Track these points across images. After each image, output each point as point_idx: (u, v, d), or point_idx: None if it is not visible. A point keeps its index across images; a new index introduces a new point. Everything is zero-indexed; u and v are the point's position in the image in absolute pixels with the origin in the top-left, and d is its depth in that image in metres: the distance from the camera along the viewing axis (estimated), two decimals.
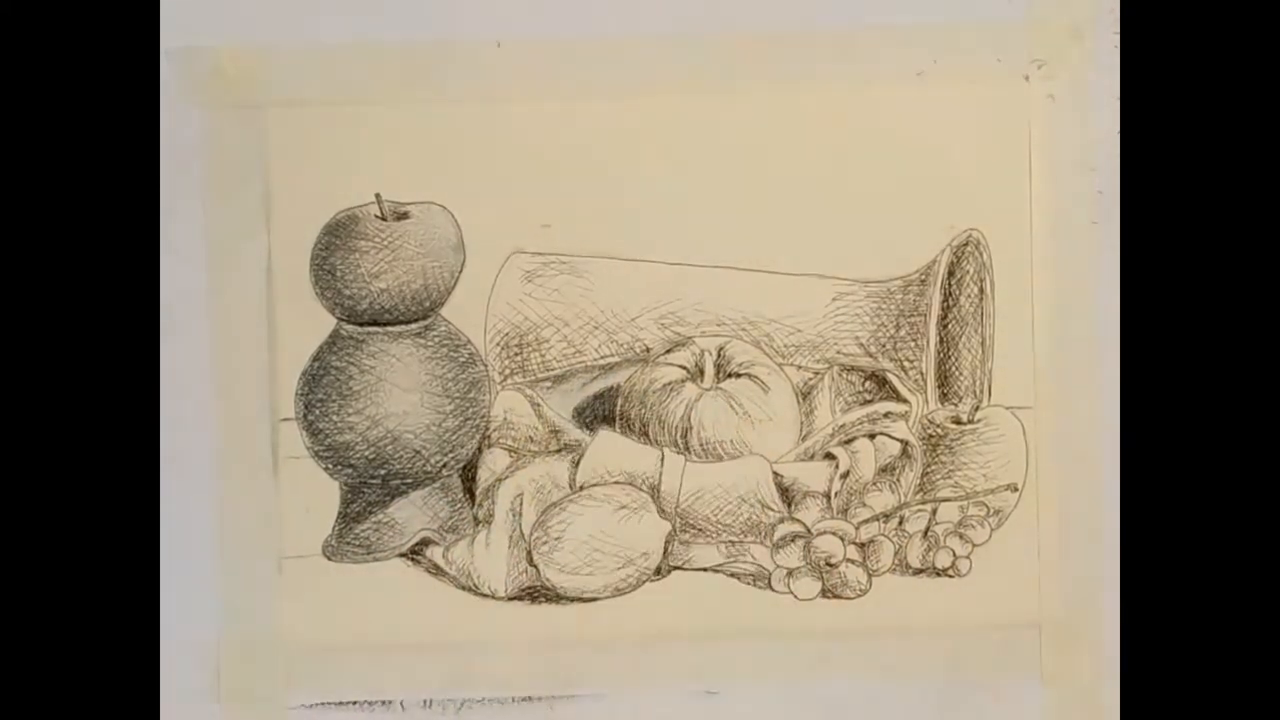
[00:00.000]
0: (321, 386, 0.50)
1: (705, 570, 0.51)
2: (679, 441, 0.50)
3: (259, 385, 0.50)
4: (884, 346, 0.51)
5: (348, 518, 0.50)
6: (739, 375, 0.51)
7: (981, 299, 0.51)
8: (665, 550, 0.50)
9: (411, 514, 0.50)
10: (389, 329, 0.50)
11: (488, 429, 0.50)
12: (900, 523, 0.51)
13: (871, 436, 0.51)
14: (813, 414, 0.51)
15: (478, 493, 0.51)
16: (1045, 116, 0.51)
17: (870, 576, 0.51)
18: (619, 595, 0.50)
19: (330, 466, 0.50)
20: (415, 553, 0.50)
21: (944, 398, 0.51)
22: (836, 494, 0.51)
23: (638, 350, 0.51)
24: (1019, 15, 0.51)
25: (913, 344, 0.51)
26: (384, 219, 0.50)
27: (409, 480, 0.50)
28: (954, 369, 0.51)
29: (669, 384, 0.50)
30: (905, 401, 0.51)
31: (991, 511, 0.51)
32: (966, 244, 0.51)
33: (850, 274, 0.51)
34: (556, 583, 0.50)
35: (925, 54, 0.50)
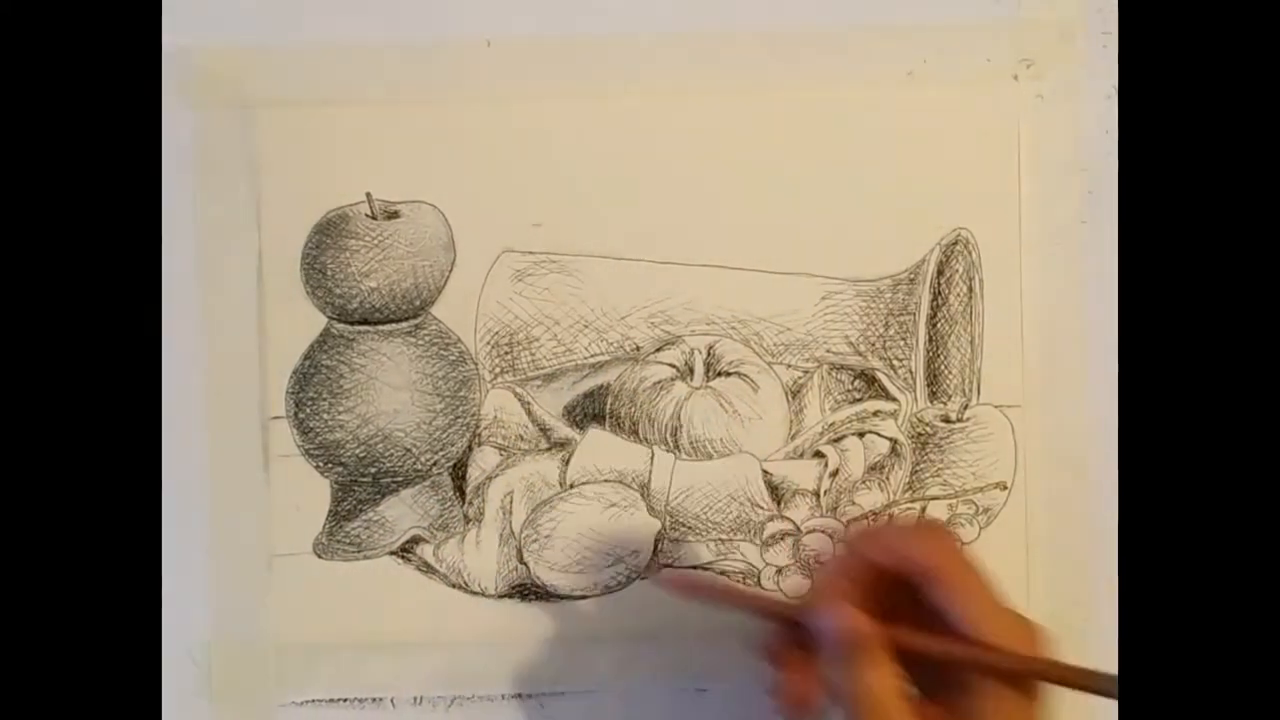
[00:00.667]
0: (312, 385, 0.50)
1: (695, 568, 0.51)
2: (669, 440, 0.50)
3: (249, 383, 0.50)
4: (873, 345, 0.51)
5: (338, 515, 0.50)
6: (728, 374, 0.51)
7: (970, 298, 0.51)
8: (655, 548, 0.50)
9: (402, 512, 0.51)
10: (380, 327, 0.50)
11: (478, 427, 0.51)
12: (890, 521, 0.51)
13: (861, 435, 0.51)
14: (802, 412, 0.51)
15: (468, 491, 0.51)
16: (1034, 116, 0.51)
17: None
18: (609, 593, 0.50)
19: (321, 464, 0.50)
20: (405, 550, 0.51)
21: (933, 396, 0.51)
22: (826, 492, 0.51)
23: (628, 349, 0.51)
24: (1008, 15, 0.51)
25: (902, 342, 0.51)
26: (374, 218, 0.50)
27: (399, 478, 0.50)
28: (943, 367, 0.51)
29: (659, 382, 0.51)
30: (894, 400, 0.51)
31: (980, 510, 0.51)
32: (956, 243, 0.51)
33: (839, 273, 0.51)
34: (547, 580, 0.50)
35: (914, 53, 0.50)
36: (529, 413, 0.51)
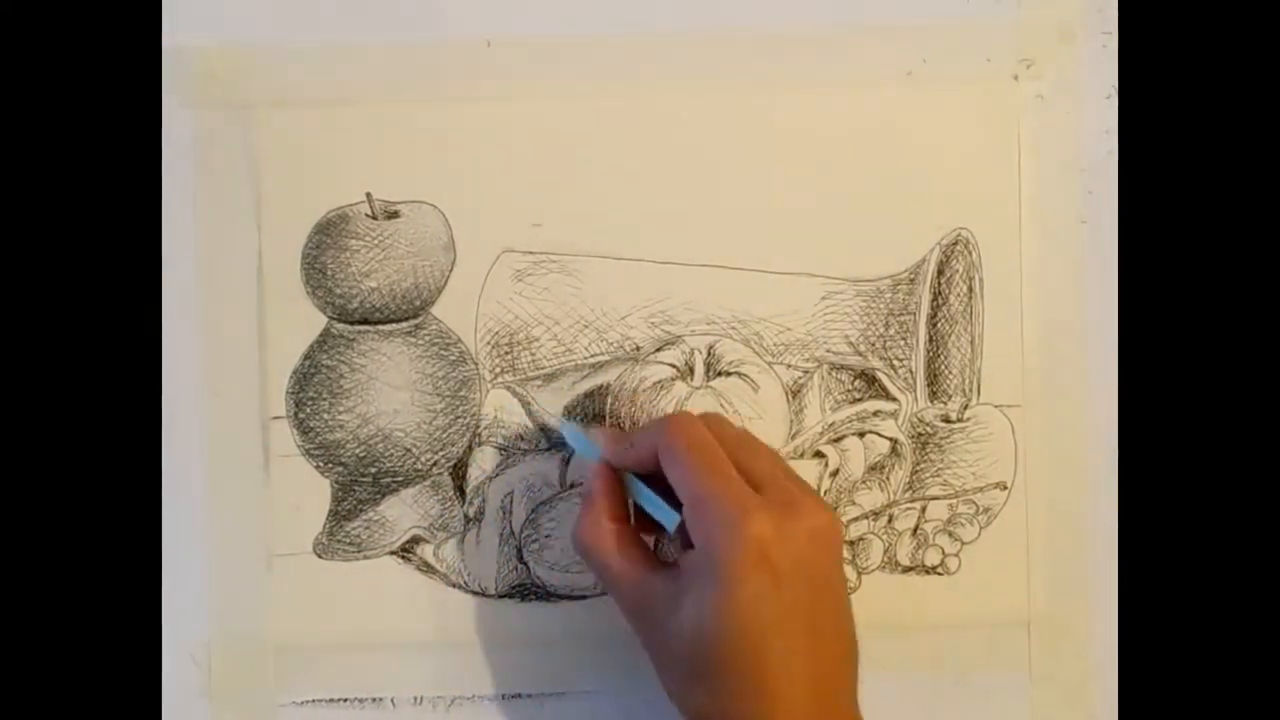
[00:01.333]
0: (312, 385, 0.50)
1: None
2: None
3: (249, 383, 0.50)
4: (873, 345, 0.51)
5: (338, 515, 0.50)
6: (729, 374, 0.51)
7: (971, 298, 0.51)
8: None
9: (402, 512, 0.51)
10: (380, 327, 0.50)
11: (478, 427, 0.51)
12: (889, 521, 0.51)
13: (861, 435, 0.51)
14: (802, 412, 0.51)
15: (468, 490, 0.51)
16: (1034, 116, 0.51)
17: (859, 574, 0.51)
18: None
19: (321, 464, 0.50)
20: (406, 550, 0.51)
21: (933, 396, 0.51)
22: (826, 492, 0.51)
23: (628, 349, 0.51)
24: (1008, 15, 0.51)
25: (902, 342, 0.51)
26: (374, 218, 0.50)
27: (399, 478, 0.50)
28: (943, 367, 0.51)
29: (659, 382, 0.51)
30: (894, 400, 0.51)
31: (980, 509, 0.51)
32: (956, 243, 0.51)
33: (839, 273, 0.51)
34: (547, 580, 0.50)
35: (914, 53, 0.50)
36: (529, 413, 0.51)
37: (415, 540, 0.51)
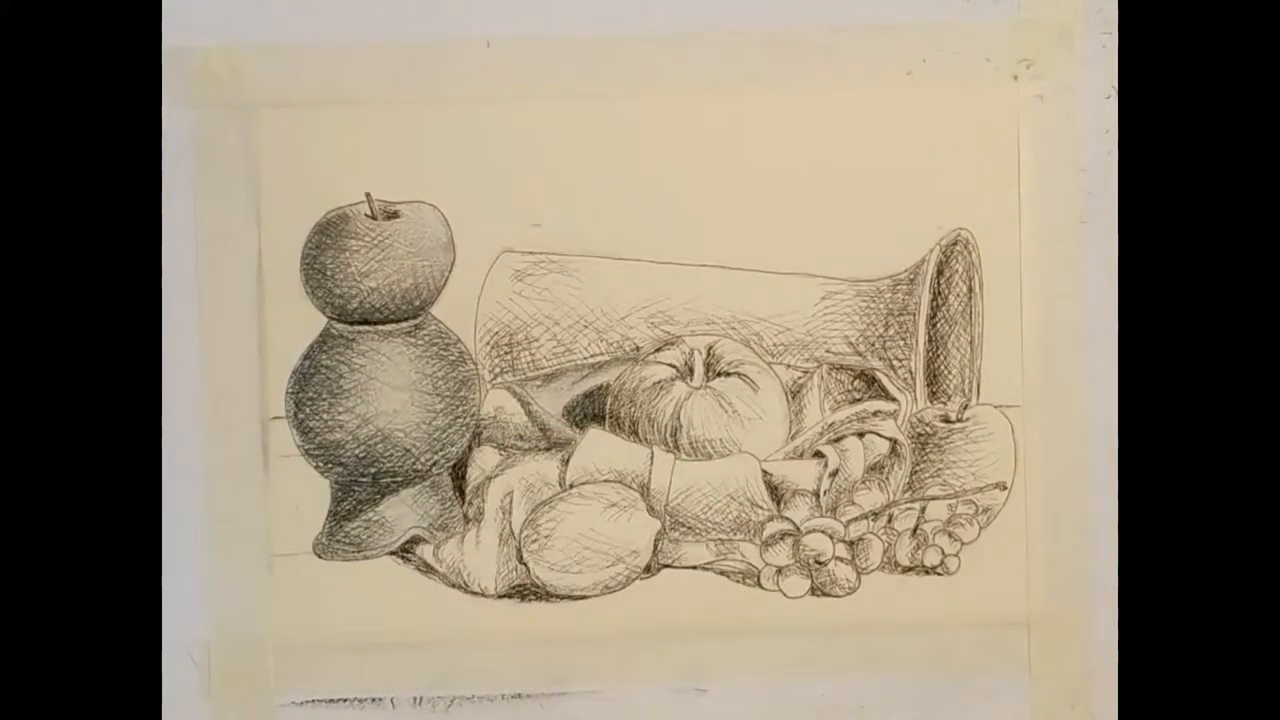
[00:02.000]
0: (312, 385, 0.50)
1: (695, 568, 0.51)
2: (668, 440, 0.50)
3: (250, 383, 0.50)
4: (873, 345, 0.51)
5: (338, 516, 0.50)
6: (728, 374, 0.51)
7: (970, 298, 0.51)
8: (655, 548, 0.50)
9: (402, 512, 0.51)
10: (379, 327, 0.50)
11: (478, 427, 0.51)
12: (889, 521, 0.51)
13: (860, 435, 0.51)
14: (802, 412, 0.51)
15: (468, 491, 0.51)
16: (1034, 116, 0.51)
17: (859, 574, 0.51)
18: (609, 593, 0.50)
19: (321, 465, 0.50)
20: (405, 551, 0.51)
21: (933, 396, 0.51)
22: (825, 492, 0.51)
23: (627, 349, 0.51)
24: (1008, 15, 0.51)
25: (901, 343, 0.51)
26: (374, 218, 0.50)
27: (399, 478, 0.50)
28: (943, 368, 0.51)
29: (659, 382, 0.51)
30: (894, 400, 0.51)
31: (980, 510, 0.51)
32: (955, 243, 0.51)
33: (839, 273, 0.51)
34: (546, 580, 0.50)
35: (914, 54, 0.50)
36: (529, 413, 0.51)
37: (415, 540, 0.51)
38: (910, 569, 0.51)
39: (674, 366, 0.51)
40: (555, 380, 0.51)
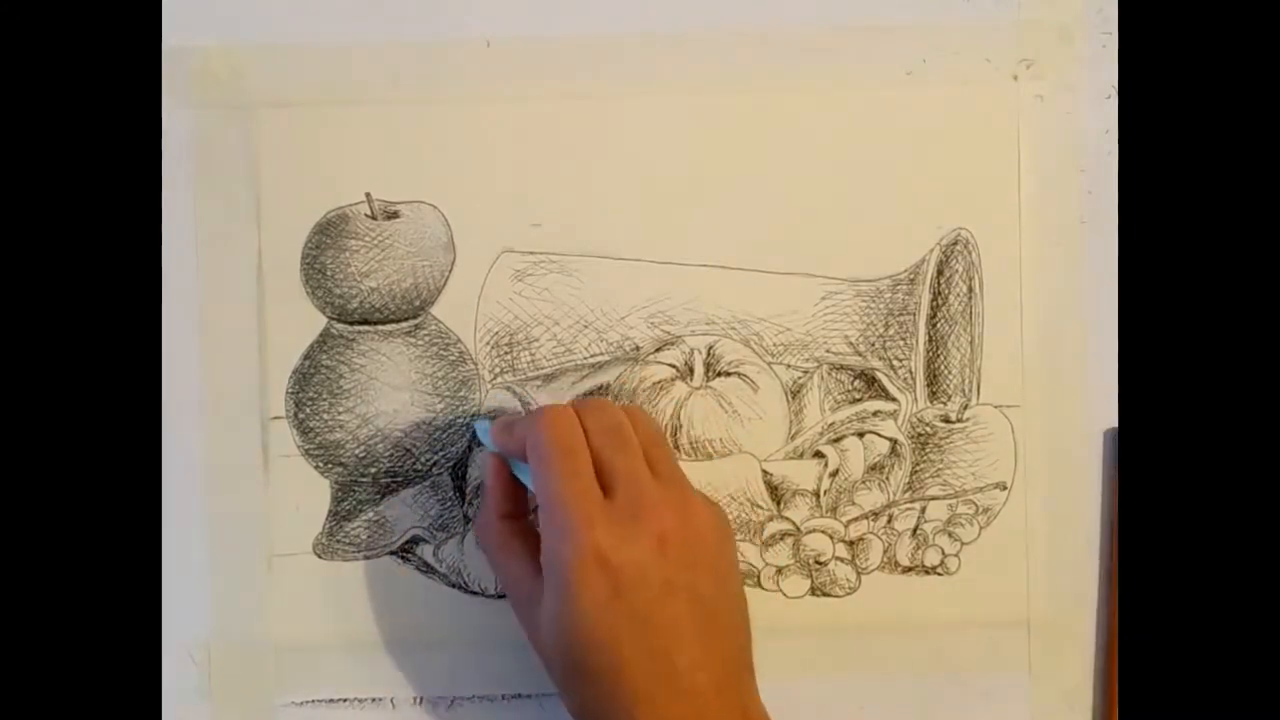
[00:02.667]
0: (312, 385, 0.50)
1: None
2: (669, 440, 0.50)
3: (249, 384, 0.50)
4: (873, 345, 0.51)
5: (338, 516, 0.50)
6: (728, 374, 0.51)
7: (970, 298, 0.51)
8: None
9: (402, 512, 0.51)
10: (379, 328, 0.50)
11: None
12: (889, 521, 0.51)
13: (860, 435, 0.51)
14: (802, 412, 0.51)
15: (468, 491, 0.51)
16: (1034, 116, 0.51)
17: (859, 574, 0.51)
18: None
19: (321, 465, 0.50)
20: (406, 551, 0.51)
21: (933, 396, 0.51)
22: (825, 492, 0.51)
23: (627, 349, 0.51)
24: (1008, 15, 0.51)
25: (901, 343, 0.51)
26: (374, 218, 0.50)
27: (399, 478, 0.50)
28: (943, 368, 0.51)
29: (658, 382, 0.51)
30: (894, 400, 0.51)
31: (980, 510, 0.51)
32: (955, 243, 0.51)
33: (839, 273, 0.51)
34: None
35: (914, 53, 0.50)
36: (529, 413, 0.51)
37: (415, 540, 0.51)
38: (910, 569, 0.51)
39: (674, 366, 0.51)
40: (555, 380, 0.51)
